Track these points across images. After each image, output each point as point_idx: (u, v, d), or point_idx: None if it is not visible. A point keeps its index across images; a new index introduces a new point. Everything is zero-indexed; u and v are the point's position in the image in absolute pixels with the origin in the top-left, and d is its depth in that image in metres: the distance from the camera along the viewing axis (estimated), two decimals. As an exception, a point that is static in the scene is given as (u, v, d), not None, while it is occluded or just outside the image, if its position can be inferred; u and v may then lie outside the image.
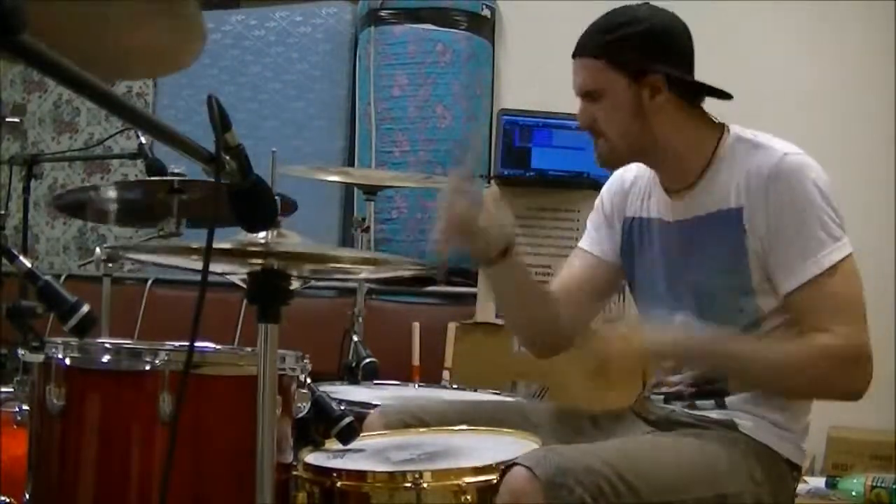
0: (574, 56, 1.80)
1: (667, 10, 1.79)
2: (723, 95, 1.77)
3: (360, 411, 1.88)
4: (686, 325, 1.75)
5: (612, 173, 2.00)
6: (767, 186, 1.66)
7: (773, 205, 1.65)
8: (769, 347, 1.68)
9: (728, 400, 1.73)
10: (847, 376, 1.63)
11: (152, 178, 2.44)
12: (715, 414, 1.74)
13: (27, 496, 1.59)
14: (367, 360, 2.58)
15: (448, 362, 3.07)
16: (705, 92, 1.78)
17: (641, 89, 1.73)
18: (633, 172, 1.92)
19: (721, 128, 1.78)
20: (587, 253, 1.96)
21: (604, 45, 1.74)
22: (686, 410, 1.78)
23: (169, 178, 2.31)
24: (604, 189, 1.99)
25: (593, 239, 1.96)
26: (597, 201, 1.99)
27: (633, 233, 1.90)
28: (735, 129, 1.77)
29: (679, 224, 1.79)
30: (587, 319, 1.99)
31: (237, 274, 1.44)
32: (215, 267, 1.36)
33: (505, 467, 1.46)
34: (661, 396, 1.84)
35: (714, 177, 1.74)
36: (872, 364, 1.63)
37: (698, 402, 1.77)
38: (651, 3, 1.81)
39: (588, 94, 1.77)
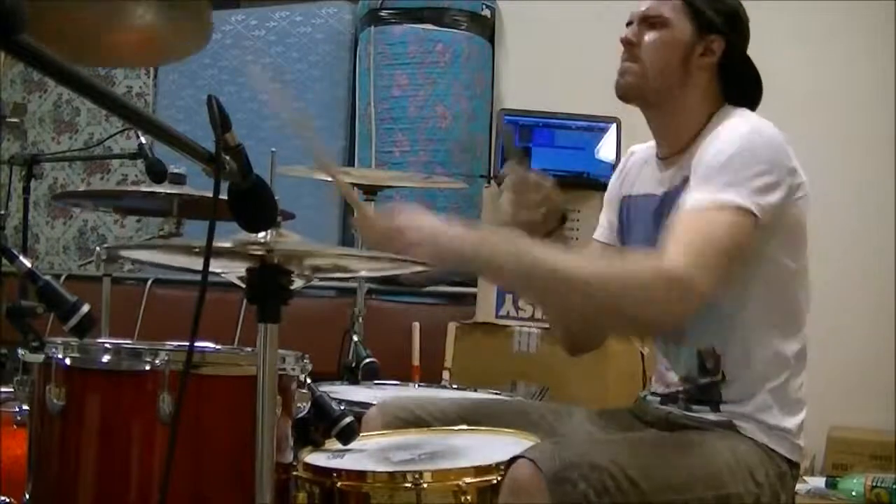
0: None
1: None
2: (756, 92, 1.79)
3: (360, 411, 1.88)
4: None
5: (612, 173, 2.01)
6: (705, 145, 1.67)
7: (701, 148, 1.67)
8: (577, 255, 1.59)
9: (722, 406, 1.73)
10: (652, 300, 1.47)
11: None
12: (712, 416, 1.74)
13: (27, 496, 1.59)
14: (367, 360, 2.58)
15: (448, 362, 3.07)
16: (745, 82, 1.79)
17: (697, 44, 1.75)
18: (634, 155, 1.94)
19: (721, 105, 1.79)
20: (599, 243, 1.98)
21: None
22: (683, 412, 1.78)
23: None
24: (612, 179, 2.01)
25: (603, 227, 1.99)
26: (606, 192, 2.02)
27: (626, 212, 1.92)
28: (727, 106, 1.78)
29: (664, 196, 1.80)
30: None
31: (237, 273, 1.44)
32: (215, 266, 1.35)
33: (510, 459, 1.45)
34: (658, 398, 1.84)
35: (696, 149, 1.74)
36: (695, 299, 1.48)
37: (693, 406, 1.77)
38: None
39: (647, 20, 1.77)
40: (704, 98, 1.78)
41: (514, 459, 1.45)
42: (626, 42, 1.79)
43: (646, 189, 1.86)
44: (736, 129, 1.67)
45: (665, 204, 1.77)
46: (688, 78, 1.76)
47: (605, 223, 1.99)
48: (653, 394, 1.87)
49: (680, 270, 1.47)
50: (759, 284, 1.69)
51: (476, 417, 1.84)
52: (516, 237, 1.61)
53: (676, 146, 1.79)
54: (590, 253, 1.62)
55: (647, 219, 1.83)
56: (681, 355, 1.78)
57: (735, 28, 1.79)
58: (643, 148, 1.93)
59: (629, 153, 1.99)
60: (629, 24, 1.81)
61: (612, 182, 2.00)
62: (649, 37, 1.77)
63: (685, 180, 1.69)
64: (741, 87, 1.80)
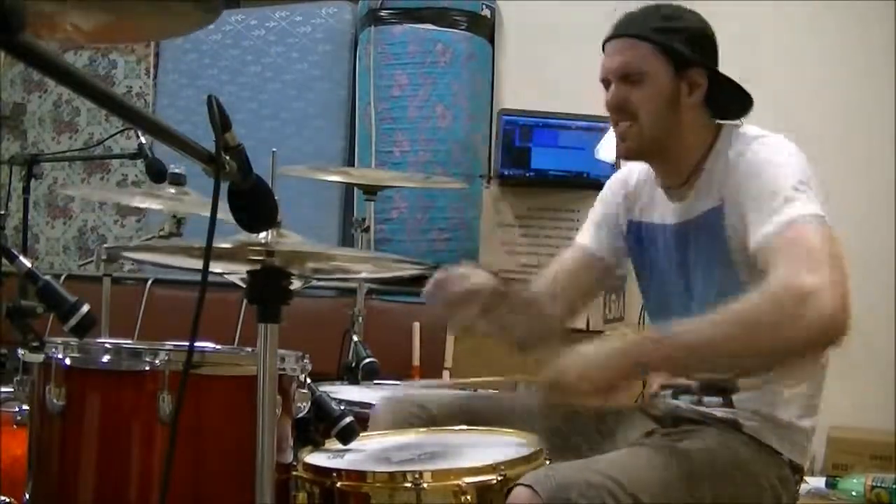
0: (613, 38, 1.77)
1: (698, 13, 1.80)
2: (746, 103, 1.77)
3: (360, 411, 1.88)
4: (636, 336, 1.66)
5: (612, 173, 2.00)
6: (732, 168, 1.66)
7: (736, 179, 1.64)
8: (711, 319, 1.54)
9: (735, 398, 1.72)
10: (797, 317, 1.43)
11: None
12: (720, 412, 1.73)
13: (27, 496, 1.59)
14: (367, 360, 2.58)
15: (448, 362, 3.07)
16: (731, 100, 1.77)
17: (682, 82, 1.73)
18: (636, 175, 1.92)
19: (719, 128, 1.78)
20: (583, 248, 1.96)
21: (652, 30, 1.73)
22: (692, 406, 1.77)
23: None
24: (607, 188, 1.98)
25: (592, 235, 1.96)
26: (600, 197, 1.99)
27: (640, 237, 1.90)
28: (728, 126, 1.77)
29: (677, 227, 1.79)
30: (572, 314, 2.01)
31: (237, 273, 1.44)
32: (215, 266, 1.36)
33: (507, 489, 1.45)
34: (670, 391, 1.83)
35: (705, 176, 1.74)
36: (842, 300, 1.44)
37: (705, 399, 1.76)
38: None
39: (626, 77, 1.74)
40: (699, 129, 1.76)
41: (511, 489, 1.45)
42: (615, 108, 1.75)
43: (661, 218, 1.84)
44: (771, 150, 1.64)
45: (684, 235, 1.76)
46: (681, 118, 1.74)
47: (592, 230, 1.96)
48: (665, 386, 1.86)
49: (804, 281, 1.44)
50: None
51: (479, 412, 1.85)
52: (652, 335, 1.61)
53: (679, 179, 1.78)
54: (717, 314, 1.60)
55: (668, 248, 1.82)
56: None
57: (708, 51, 1.76)
58: (643, 170, 1.89)
59: (628, 172, 1.95)
60: (605, 80, 1.77)
61: (615, 198, 1.94)
62: (635, 95, 1.73)
63: (712, 211, 1.68)
64: (729, 101, 1.77)
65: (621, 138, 1.78)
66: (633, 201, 1.91)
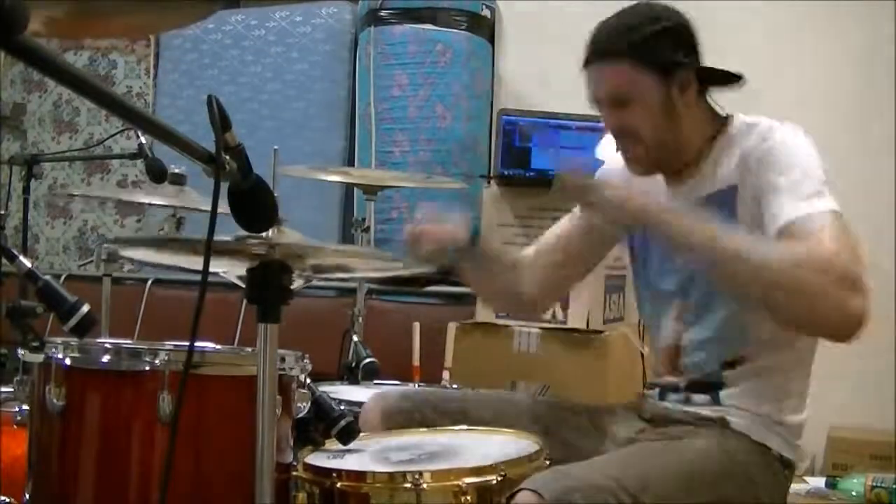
0: (590, 62, 1.74)
1: (669, 6, 1.77)
2: (734, 79, 1.76)
3: (360, 411, 1.88)
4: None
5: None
6: (758, 155, 1.64)
7: (757, 165, 1.63)
8: (755, 240, 1.57)
9: (722, 394, 1.73)
10: (841, 289, 1.45)
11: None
12: (708, 411, 1.74)
13: (27, 496, 1.59)
14: (367, 360, 2.58)
15: (448, 362, 3.06)
16: (724, 80, 1.76)
17: (671, 88, 1.70)
18: (613, 170, 1.89)
19: (725, 118, 1.77)
20: (571, 224, 1.97)
21: (627, 46, 1.69)
22: (680, 407, 1.78)
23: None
24: (601, 175, 1.93)
25: (574, 223, 1.97)
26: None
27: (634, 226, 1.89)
28: (738, 116, 1.76)
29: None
30: (552, 287, 2.05)
31: (237, 273, 1.44)
32: (215, 265, 1.35)
33: (511, 493, 1.45)
34: (657, 391, 1.84)
35: (714, 160, 1.73)
36: (868, 310, 1.48)
37: (693, 397, 1.77)
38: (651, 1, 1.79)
39: (615, 100, 1.72)
40: (700, 122, 1.75)
41: (514, 493, 1.44)
42: (616, 133, 1.75)
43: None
44: (789, 136, 1.64)
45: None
46: (679, 120, 1.72)
47: (579, 221, 1.95)
48: (651, 385, 1.86)
49: (850, 268, 1.47)
50: None
51: (474, 411, 1.85)
52: (700, 215, 1.63)
53: (679, 167, 1.77)
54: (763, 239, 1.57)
55: None
56: (704, 363, 1.77)
57: (690, 47, 1.73)
58: (619, 159, 1.84)
59: (603, 170, 1.94)
60: (597, 103, 1.75)
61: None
62: (631, 117, 1.71)
63: (724, 192, 1.68)
64: (722, 83, 1.76)
65: (631, 160, 1.77)
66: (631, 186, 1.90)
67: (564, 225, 2.00)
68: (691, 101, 1.73)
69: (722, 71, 1.75)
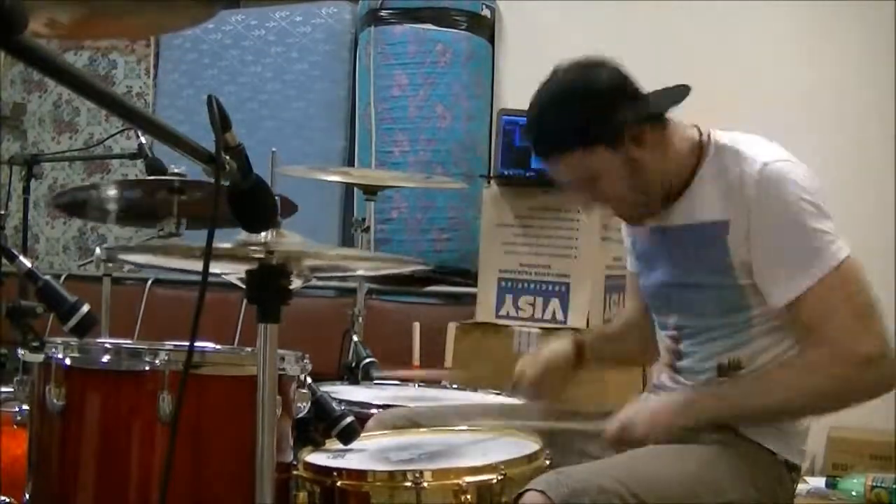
0: (542, 157, 1.76)
1: (586, 58, 1.72)
2: (680, 94, 1.74)
3: (360, 411, 1.88)
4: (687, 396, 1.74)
5: None
6: (751, 199, 1.63)
7: (757, 218, 1.63)
8: (770, 384, 1.66)
9: None
10: (867, 371, 1.56)
11: (152, 178, 2.44)
12: None
13: (27, 496, 1.59)
14: (367, 360, 2.58)
15: (448, 362, 3.07)
16: (673, 101, 1.74)
17: (626, 147, 1.68)
18: None
19: (696, 131, 1.75)
20: (632, 274, 2.00)
21: (571, 136, 1.68)
22: None
23: (169, 177, 2.30)
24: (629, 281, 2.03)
25: (631, 260, 1.99)
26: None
27: (636, 243, 1.92)
28: (715, 135, 1.74)
29: (664, 230, 1.78)
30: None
31: (237, 274, 1.44)
32: (215, 267, 1.35)
33: (517, 494, 1.45)
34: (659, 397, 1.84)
35: (698, 187, 1.72)
36: (882, 363, 1.56)
37: None
38: (577, 58, 1.74)
39: (580, 183, 1.74)
40: (672, 154, 1.73)
41: (521, 493, 1.44)
42: (588, 211, 1.78)
43: (651, 222, 1.82)
44: (774, 188, 1.62)
45: (669, 240, 1.77)
46: (646, 167, 1.70)
47: (629, 253, 1.99)
48: (657, 388, 1.86)
49: (860, 348, 1.56)
50: None
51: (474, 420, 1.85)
52: (715, 391, 1.72)
53: (668, 197, 1.76)
54: (773, 372, 1.67)
55: (652, 251, 1.83)
56: (701, 371, 1.77)
57: (632, 103, 1.69)
58: None
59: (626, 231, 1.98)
60: (565, 184, 1.76)
61: None
62: (601, 191, 1.72)
63: (715, 225, 1.68)
64: (673, 104, 1.74)
65: (619, 215, 1.84)
66: None
67: (632, 280, 2.00)
68: (653, 146, 1.70)
69: (668, 96, 1.73)
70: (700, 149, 1.73)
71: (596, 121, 1.68)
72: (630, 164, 1.69)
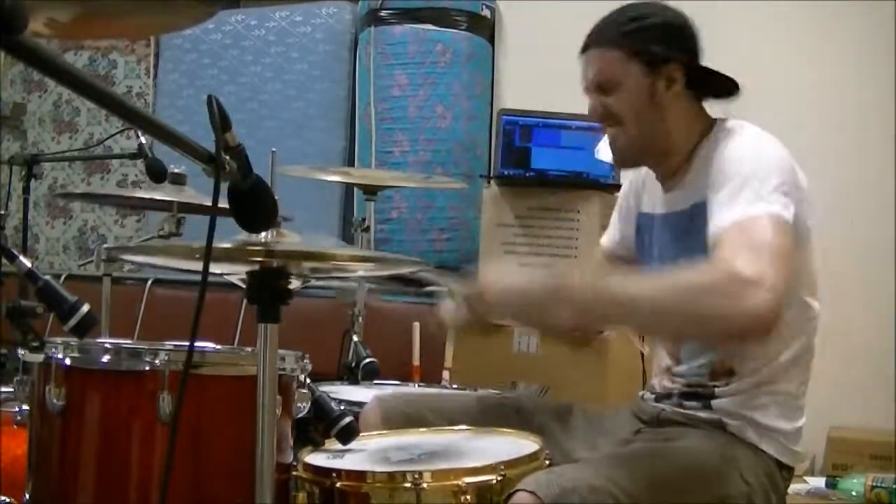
0: (585, 50, 1.78)
1: (675, 7, 1.79)
2: (731, 86, 1.76)
3: (360, 412, 1.88)
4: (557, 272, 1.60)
5: (612, 174, 2.01)
6: (712, 162, 1.66)
7: (712, 172, 1.64)
8: (653, 281, 1.57)
9: (714, 403, 1.73)
10: (736, 297, 1.42)
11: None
12: (703, 413, 1.74)
13: (27, 496, 1.59)
14: (367, 360, 2.58)
15: (448, 362, 3.07)
16: (716, 84, 1.77)
17: (657, 80, 1.72)
18: (645, 168, 1.92)
19: (712, 121, 1.78)
20: (603, 249, 2.02)
21: (620, 35, 1.73)
22: (675, 409, 1.78)
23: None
24: (626, 183, 2.01)
25: (611, 234, 2.01)
26: (620, 193, 2.03)
27: (641, 229, 1.92)
28: (727, 122, 1.76)
29: (665, 217, 1.81)
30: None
31: (237, 274, 1.44)
32: (215, 267, 1.35)
33: (508, 494, 1.45)
34: (653, 396, 1.85)
35: (693, 170, 1.74)
36: (768, 294, 1.43)
37: (685, 403, 1.77)
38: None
39: (601, 87, 1.75)
40: (687, 121, 1.76)
41: (511, 494, 1.44)
42: (597, 117, 1.78)
43: (655, 208, 1.86)
44: (744, 146, 1.65)
45: (668, 226, 1.78)
46: (663, 113, 1.74)
47: (616, 234, 2.00)
48: (649, 392, 1.87)
49: (744, 269, 1.44)
50: None
51: (473, 414, 1.85)
52: (591, 277, 1.57)
53: (671, 170, 1.79)
54: (653, 275, 1.63)
55: (654, 238, 1.84)
56: (691, 370, 1.78)
57: (685, 46, 1.76)
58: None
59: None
60: (587, 91, 1.78)
61: (626, 195, 1.99)
62: (613, 102, 1.74)
63: (694, 206, 1.68)
64: (715, 89, 1.78)
65: (613, 144, 1.80)
66: (640, 191, 1.93)
67: (617, 228, 2.01)
68: (678, 97, 1.74)
69: (717, 75, 1.76)
70: (709, 128, 1.76)
71: (648, 38, 1.73)
72: (651, 96, 1.73)
